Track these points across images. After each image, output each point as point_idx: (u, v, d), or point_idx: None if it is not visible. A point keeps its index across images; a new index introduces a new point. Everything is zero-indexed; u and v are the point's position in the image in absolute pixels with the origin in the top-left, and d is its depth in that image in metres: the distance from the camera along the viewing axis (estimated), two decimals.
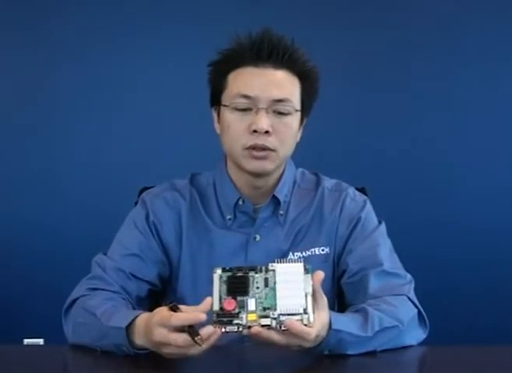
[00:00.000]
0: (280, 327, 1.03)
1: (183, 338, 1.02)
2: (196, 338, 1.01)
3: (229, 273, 1.07)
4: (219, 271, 1.07)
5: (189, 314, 1.04)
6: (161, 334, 1.04)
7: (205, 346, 1.03)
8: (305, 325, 1.03)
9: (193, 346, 1.02)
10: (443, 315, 2.25)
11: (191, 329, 1.02)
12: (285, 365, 1.15)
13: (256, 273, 1.07)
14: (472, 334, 2.42)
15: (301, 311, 1.04)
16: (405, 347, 1.23)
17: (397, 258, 1.40)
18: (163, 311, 1.07)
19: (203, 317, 1.02)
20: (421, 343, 1.27)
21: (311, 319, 1.04)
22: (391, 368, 1.18)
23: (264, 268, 1.07)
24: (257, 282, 1.06)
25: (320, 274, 1.08)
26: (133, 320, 1.14)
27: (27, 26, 2.58)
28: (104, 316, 1.19)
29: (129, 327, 1.14)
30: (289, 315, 1.03)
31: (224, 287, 1.05)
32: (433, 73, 2.61)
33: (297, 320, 1.03)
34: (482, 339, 2.33)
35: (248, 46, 1.35)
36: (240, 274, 1.07)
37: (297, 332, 1.03)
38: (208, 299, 1.05)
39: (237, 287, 1.05)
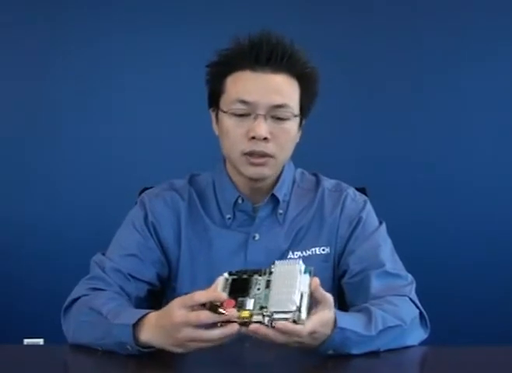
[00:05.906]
0: (272, 324, 1.03)
1: (205, 314, 1.03)
2: (219, 309, 1.02)
3: (235, 277, 1.08)
4: (226, 275, 1.08)
5: (211, 292, 1.05)
6: (182, 314, 1.04)
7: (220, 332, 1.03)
8: (294, 321, 1.02)
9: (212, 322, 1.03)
10: (444, 316, 2.24)
11: (213, 305, 1.03)
12: (286, 365, 1.14)
13: (260, 275, 1.08)
14: (473, 334, 2.42)
15: (293, 309, 1.03)
16: (406, 347, 1.23)
17: (398, 258, 1.40)
18: (179, 298, 1.07)
19: (224, 295, 1.04)
20: (422, 343, 1.27)
21: (302, 317, 1.03)
22: (392, 368, 1.18)
23: (268, 270, 1.08)
24: (259, 284, 1.07)
25: (316, 281, 1.07)
26: (142, 318, 1.14)
27: (25, 26, 2.58)
28: (111, 314, 1.19)
29: (136, 325, 1.13)
30: (281, 312, 1.03)
31: (227, 289, 1.06)
32: (433, 74, 2.61)
33: (288, 318, 1.02)
34: (483, 340, 2.33)
35: (247, 48, 1.33)
36: (244, 277, 1.08)
37: (290, 332, 1.02)
38: (215, 285, 1.06)
39: (239, 288, 1.06)
